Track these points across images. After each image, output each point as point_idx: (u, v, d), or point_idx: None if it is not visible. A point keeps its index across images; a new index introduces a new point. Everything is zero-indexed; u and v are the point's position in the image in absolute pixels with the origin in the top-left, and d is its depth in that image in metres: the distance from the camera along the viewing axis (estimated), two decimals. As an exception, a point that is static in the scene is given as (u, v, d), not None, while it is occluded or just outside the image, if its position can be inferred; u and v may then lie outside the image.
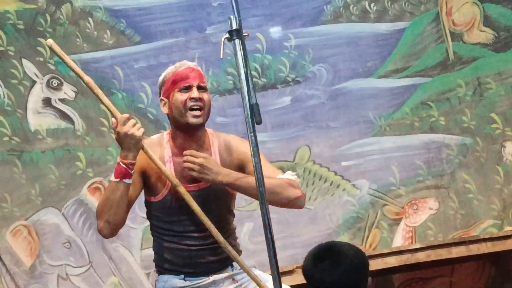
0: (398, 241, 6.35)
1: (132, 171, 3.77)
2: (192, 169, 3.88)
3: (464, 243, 6.09)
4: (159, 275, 4.12)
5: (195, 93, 3.98)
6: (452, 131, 6.52)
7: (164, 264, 4.07)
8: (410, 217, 6.40)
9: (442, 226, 6.42)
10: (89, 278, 6.02)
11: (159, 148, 3.99)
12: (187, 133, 4.00)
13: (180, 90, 4.01)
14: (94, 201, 6.07)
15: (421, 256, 5.96)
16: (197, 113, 3.97)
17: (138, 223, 6.00)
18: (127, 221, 5.72)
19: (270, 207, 3.42)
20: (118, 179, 3.75)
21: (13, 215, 5.93)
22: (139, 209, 5.67)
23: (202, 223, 3.89)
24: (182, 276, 4.05)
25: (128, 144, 3.77)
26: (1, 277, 5.92)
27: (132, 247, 6.10)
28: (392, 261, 5.90)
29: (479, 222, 6.44)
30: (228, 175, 3.91)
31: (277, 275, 3.26)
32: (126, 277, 6.09)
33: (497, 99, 6.58)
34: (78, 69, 3.98)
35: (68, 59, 3.95)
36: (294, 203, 3.98)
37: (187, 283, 4.01)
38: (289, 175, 4.01)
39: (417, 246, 6.09)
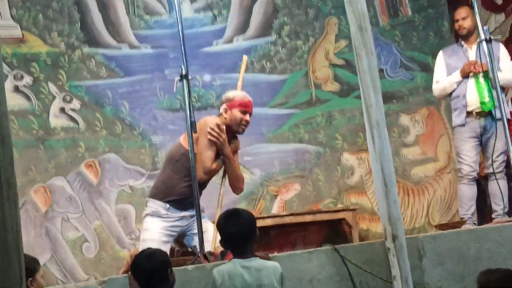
0: (275, 209, 6.46)
1: None
2: (217, 140, 4.12)
3: (313, 213, 6.08)
4: (150, 198, 4.16)
5: (248, 118, 4.26)
6: (312, 143, 6.63)
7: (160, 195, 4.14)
8: (283, 194, 6.53)
9: (302, 201, 6.52)
10: (81, 221, 6.11)
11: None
12: (231, 132, 4.26)
13: (241, 111, 4.22)
14: (88, 173, 6.18)
15: (287, 219, 5.92)
16: (244, 128, 4.28)
17: (114, 187, 6.20)
18: (107, 186, 6.09)
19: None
20: None
21: (36, 179, 6.03)
22: (116, 179, 6.17)
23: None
24: (167, 205, 4.12)
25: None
26: (28, 219, 5.92)
27: (110, 202, 6.17)
28: (269, 221, 5.87)
29: (323, 200, 6.55)
30: (228, 153, 4.18)
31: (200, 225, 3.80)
32: (105, 222, 6.16)
33: (340, 126, 6.70)
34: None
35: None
36: (237, 191, 4.39)
37: (168, 213, 4.11)
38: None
39: (285, 213, 6.10)
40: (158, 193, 4.23)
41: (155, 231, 4.14)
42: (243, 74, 4.54)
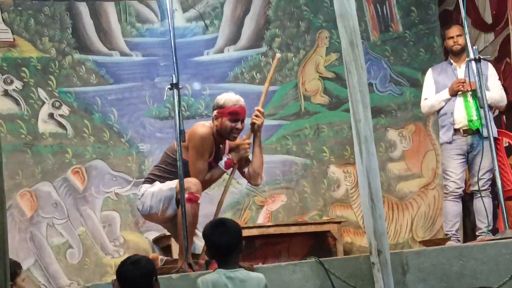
0: (261, 220, 6.47)
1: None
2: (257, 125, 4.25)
3: (298, 224, 6.09)
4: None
5: (239, 126, 4.13)
6: (299, 155, 6.65)
7: None
8: (269, 205, 6.54)
9: (287, 212, 6.52)
10: (66, 227, 6.11)
11: (212, 137, 4.11)
12: (223, 139, 4.21)
13: (230, 120, 4.10)
14: (74, 179, 6.20)
15: (272, 230, 5.93)
16: (236, 135, 4.18)
17: (100, 194, 6.22)
18: (93, 192, 6.10)
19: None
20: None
21: (22, 184, 6.05)
22: (102, 186, 6.18)
23: None
24: None
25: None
26: (13, 223, 5.88)
27: (95, 209, 6.19)
28: (255, 232, 5.84)
29: (309, 212, 6.54)
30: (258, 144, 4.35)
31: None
32: (90, 228, 6.17)
33: (327, 138, 6.71)
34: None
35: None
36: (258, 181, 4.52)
37: None
38: None
39: (270, 224, 6.15)
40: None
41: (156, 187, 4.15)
42: (273, 72, 4.55)
